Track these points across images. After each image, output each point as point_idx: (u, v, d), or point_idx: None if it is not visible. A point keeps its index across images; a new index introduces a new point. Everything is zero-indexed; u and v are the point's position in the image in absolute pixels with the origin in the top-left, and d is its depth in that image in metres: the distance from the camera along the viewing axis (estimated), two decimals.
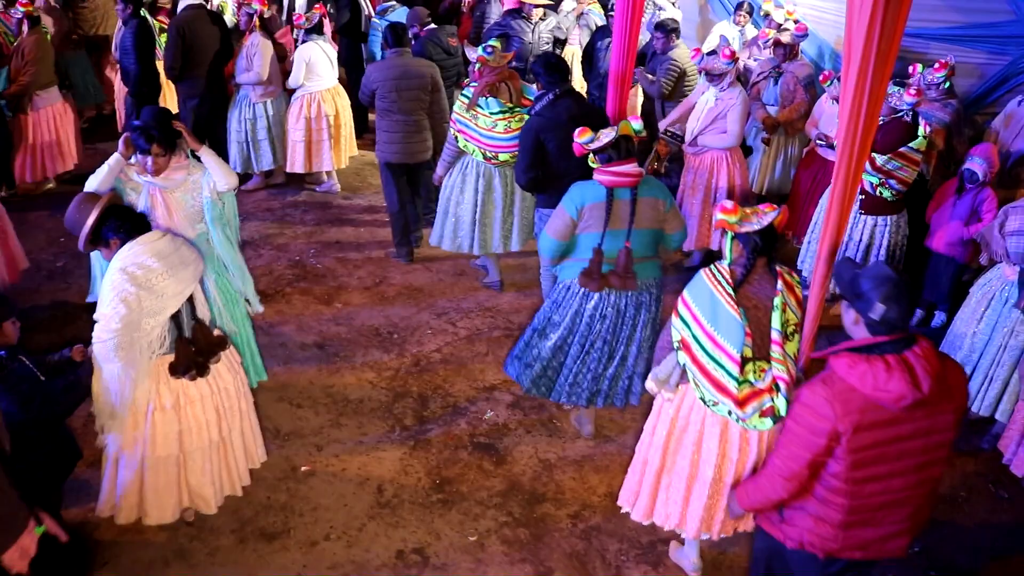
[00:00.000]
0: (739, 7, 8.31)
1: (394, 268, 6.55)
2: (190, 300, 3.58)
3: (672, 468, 3.52)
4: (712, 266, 3.33)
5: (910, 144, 5.55)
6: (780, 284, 3.27)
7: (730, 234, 3.31)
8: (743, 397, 3.19)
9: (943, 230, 5.65)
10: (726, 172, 6.26)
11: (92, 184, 3.97)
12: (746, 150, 6.59)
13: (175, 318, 3.50)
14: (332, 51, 7.52)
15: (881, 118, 5.66)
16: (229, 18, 7.89)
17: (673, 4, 8.85)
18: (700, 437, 3.40)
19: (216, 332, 3.72)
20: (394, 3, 8.38)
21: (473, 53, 5.80)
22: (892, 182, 5.61)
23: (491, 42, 5.60)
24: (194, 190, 4.16)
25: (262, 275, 6.31)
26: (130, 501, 3.68)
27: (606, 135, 4.06)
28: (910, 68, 6.57)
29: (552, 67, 4.95)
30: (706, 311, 3.26)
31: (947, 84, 6.44)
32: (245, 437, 3.94)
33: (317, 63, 7.28)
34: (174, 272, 3.44)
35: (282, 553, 3.92)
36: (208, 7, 7.79)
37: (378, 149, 6.27)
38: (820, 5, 7.64)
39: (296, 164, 7.54)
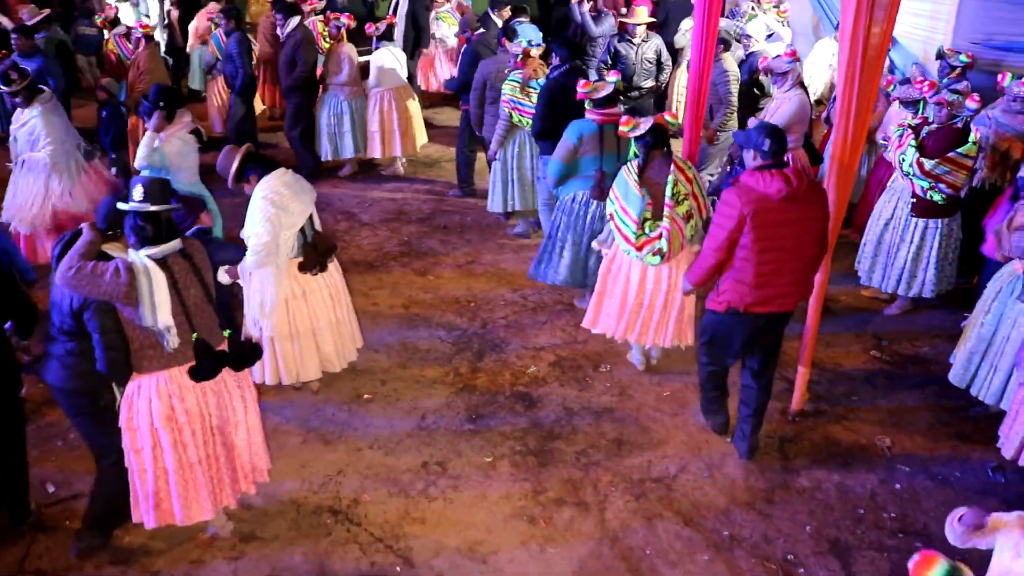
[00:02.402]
0: (838, 26, 8.60)
1: (486, 251, 7.41)
2: (310, 217, 4.83)
3: (611, 293, 5.28)
4: (627, 163, 5.09)
5: (959, 150, 5.81)
6: (673, 167, 4.96)
7: (632, 138, 5.04)
8: (639, 244, 4.96)
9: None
10: None
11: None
12: (817, 157, 6.94)
13: (301, 231, 4.75)
14: (401, 55, 8.87)
15: (936, 124, 6.00)
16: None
17: (785, 24, 9.25)
18: (628, 273, 5.18)
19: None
20: (523, 19, 9.30)
21: (516, 48, 6.87)
22: (941, 186, 5.86)
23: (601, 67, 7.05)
24: None
25: (372, 250, 7.37)
26: (289, 367, 4.98)
27: (645, 122, 5.07)
28: (999, 77, 6.72)
29: (568, 44, 6.57)
30: (622, 192, 5.03)
31: None
32: (352, 321, 5.29)
33: (387, 66, 8.62)
34: (298, 196, 4.70)
35: (332, 453, 4.83)
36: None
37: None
38: (911, 21, 7.86)
39: (374, 150, 8.89)
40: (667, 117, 5.12)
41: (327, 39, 9.09)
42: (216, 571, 4.04)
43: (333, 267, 5.07)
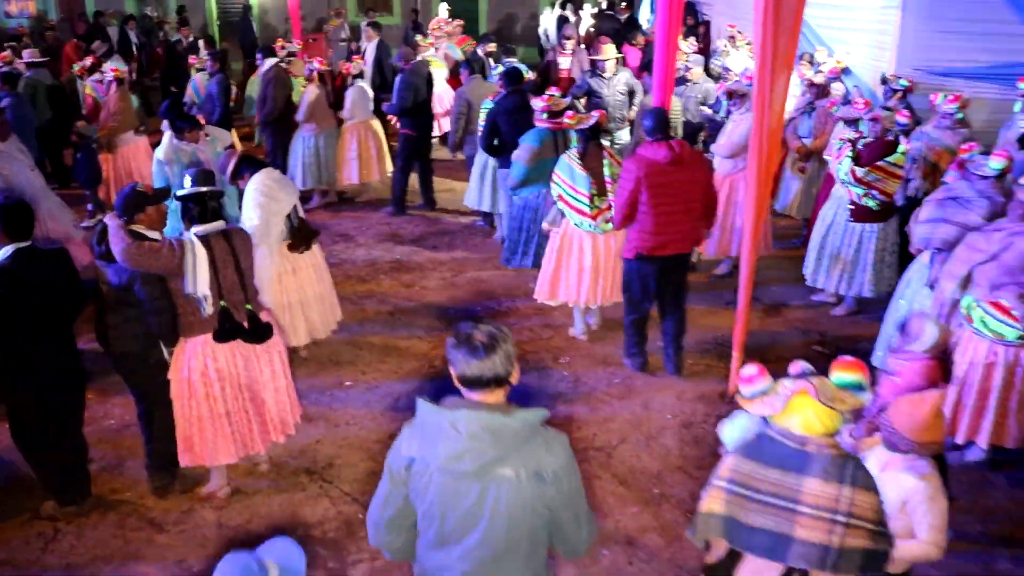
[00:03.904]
0: (801, 56, 9.29)
1: (470, 267, 8.06)
2: (295, 207, 5.71)
3: (566, 266, 6.26)
4: (568, 151, 6.20)
5: (888, 159, 6.40)
6: (606, 154, 6.16)
7: (575, 131, 6.29)
8: (594, 214, 6.02)
9: None
10: (742, 189, 7.28)
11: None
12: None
13: (288, 217, 5.63)
14: (370, 91, 9.90)
15: (871, 137, 6.60)
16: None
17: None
18: (580, 245, 6.19)
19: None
20: (512, 59, 10.10)
21: (540, 103, 7.32)
22: (874, 192, 6.45)
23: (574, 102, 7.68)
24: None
25: (364, 266, 8.07)
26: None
27: (590, 118, 6.27)
28: (931, 97, 7.34)
29: (508, 75, 7.76)
30: (568, 175, 6.06)
31: (959, 115, 7.15)
32: (332, 296, 6.24)
33: (360, 100, 9.57)
34: (284, 188, 5.66)
35: (312, 428, 5.44)
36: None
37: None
38: (861, 51, 8.54)
39: (352, 177, 9.78)
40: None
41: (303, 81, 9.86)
42: (203, 518, 4.65)
43: (316, 248, 6.04)
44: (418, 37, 12.36)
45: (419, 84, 9.04)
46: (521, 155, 6.76)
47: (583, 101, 8.69)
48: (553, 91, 7.07)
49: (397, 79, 9.16)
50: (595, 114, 6.30)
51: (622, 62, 9.52)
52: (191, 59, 11.40)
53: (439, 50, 12.17)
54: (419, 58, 9.68)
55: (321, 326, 6.11)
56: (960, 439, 5.01)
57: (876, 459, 3.25)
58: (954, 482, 5.00)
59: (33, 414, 4.43)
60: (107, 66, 9.85)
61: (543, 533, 2.61)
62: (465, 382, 2.54)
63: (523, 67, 8.92)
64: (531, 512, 2.52)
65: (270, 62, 9.59)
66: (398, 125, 9.67)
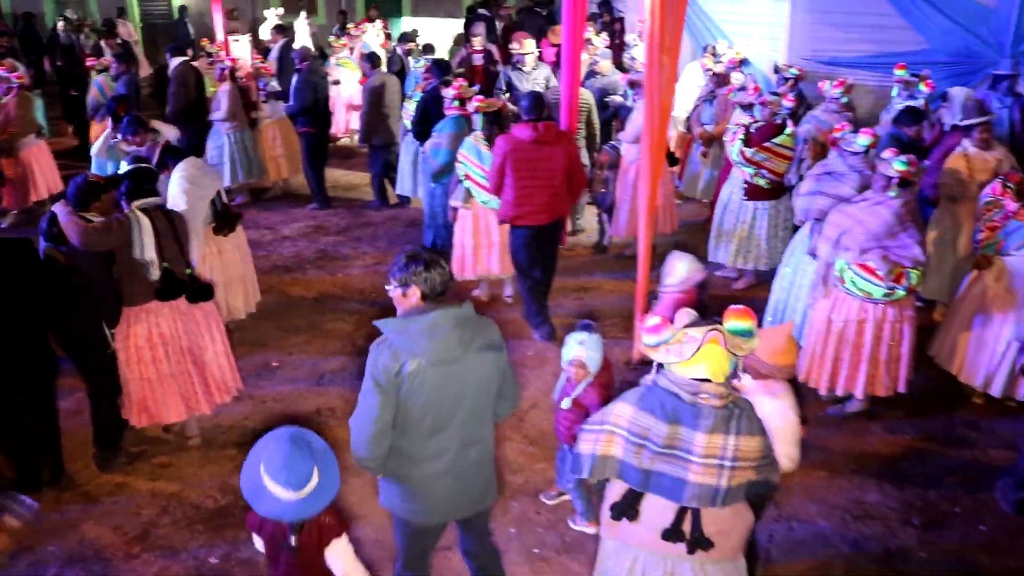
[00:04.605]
0: (705, 48, 9.86)
1: (393, 255, 8.32)
2: (218, 193, 6.05)
3: (478, 243, 6.85)
4: (474, 133, 6.68)
5: (776, 140, 6.92)
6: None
7: (482, 115, 6.68)
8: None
9: None
10: None
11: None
12: (673, 160, 8.05)
13: (212, 203, 5.96)
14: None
15: (762, 121, 7.12)
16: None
17: None
18: (487, 222, 6.82)
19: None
20: (431, 56, 10.47)
21: (450, 92, 7.76)
22: (764, 172, 6.97)
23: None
24: None
25: (291, 257, 8.33)
26: None
27: (496, 103, 6.79)
28: (819, 84, 7.93)
29: (437, 65, 8.51)
30: (475, 155, 6.57)
31: (844, 99, 7.73)
32: (255, 278, 6.72)
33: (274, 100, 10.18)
34: (207, 175, 6.04)
35: (241, 407, 5.71)
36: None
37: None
38: (756, 44, 9.11)
39: (282, 172, 10.32)
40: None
41: (213, 81, 10.03)
42: (137, 489, 4.91)
43: (240, 231, 6.45)
44: (331, 38, 12.63)
45: (317, 82, 9.39)
46: (442, 141, 7.21)
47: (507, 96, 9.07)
48: (462, 81, 7.51)
49: (294, 79, 9.44)
50: (501, 99, 6.71)
51: (539, 57, 9.92)
52: (89, 61, 11.24)
53: (354, 51, 12.44)
54: (335, 59, 10.00)
55: (243, 306, 6.53)
56: (840, 391, 5.52)
57: (738, 385, 3.68)
58: (835, 431, 5.56)
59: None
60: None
61: (495, 394, 3.36)
62: (432, 295, 3.15)
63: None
64: (493, 376, 3.30)
65: (176, 61, 9.79)
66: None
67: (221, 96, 9.49)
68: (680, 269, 4.49)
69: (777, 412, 3.50)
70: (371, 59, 9.70)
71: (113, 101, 7.81)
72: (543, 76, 9.60)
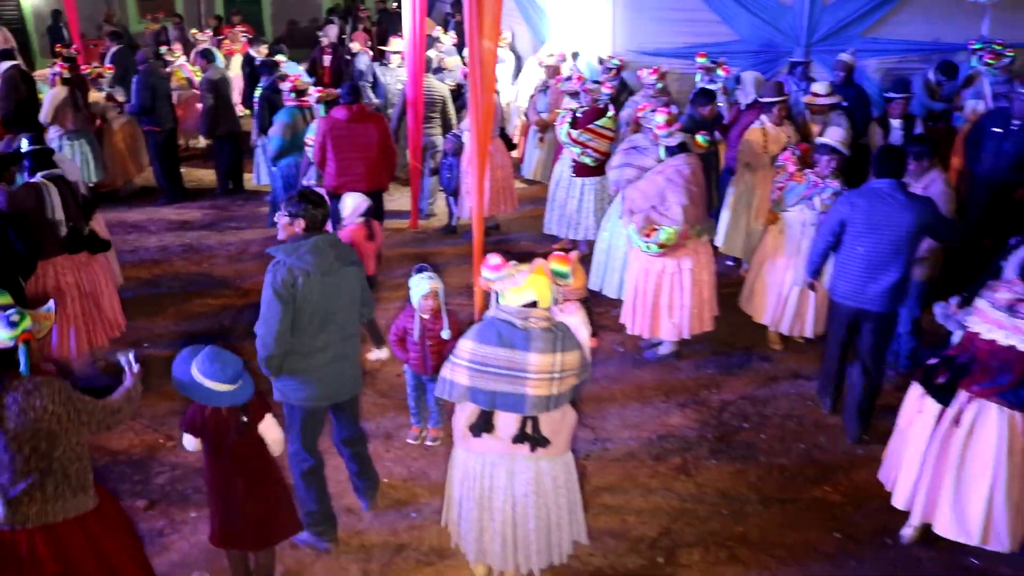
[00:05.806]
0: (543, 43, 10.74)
1: (255, 245, 8.87)
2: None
3: None
4: (316, 119, 7.61)
5: (598, 123, 7.77)
6: None
7: (323, 104, 7.78)
8: None
9: None
10: (496, 156, 8.48)
11: None
12: (509, 144, 8.86)
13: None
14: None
15: (586, 106, 7.96)
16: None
17: (508, 48, 11.27)
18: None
19: None
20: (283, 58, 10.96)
21: (287, 85, 8.51)
22: (589, 151, 7.81)
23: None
24: None
25: (157, 251, 8.75)
26: None
27: (337, 92, 7.55)
28: (638, 72, 8.85)
29: (266, 65, 9.49)
30: None
31: (659, 84, 8.67)
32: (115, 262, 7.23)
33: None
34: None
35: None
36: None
37: None
38: (585, 36, 10.02)
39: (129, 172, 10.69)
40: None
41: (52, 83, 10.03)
42: None
43: (99, 215, 6.79)
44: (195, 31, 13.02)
45: (155, 83, 9.78)
46: (276, 131, 8.11)
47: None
48: (300, 75, 8.45)
49: (134, 80, 9.78)
50: (341, 89, 7.51)
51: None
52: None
53: (185, 64, 12.79)
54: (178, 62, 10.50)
55: None
56: (646, 335, 6.40)
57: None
58: (649, 369, 6.42)
59: None
60: None
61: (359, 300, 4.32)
62: (313, 227, 4.01)
63: (295, 65, 9.92)
64: (356, 285, 4.24)
65: (5, 64, 9.88)
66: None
67: (47, 98, 9.58)
68: (349, 204, 6.17)
69: (573, 326, 4.27)
70: (205, 55, 10.51)
71: None
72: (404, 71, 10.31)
